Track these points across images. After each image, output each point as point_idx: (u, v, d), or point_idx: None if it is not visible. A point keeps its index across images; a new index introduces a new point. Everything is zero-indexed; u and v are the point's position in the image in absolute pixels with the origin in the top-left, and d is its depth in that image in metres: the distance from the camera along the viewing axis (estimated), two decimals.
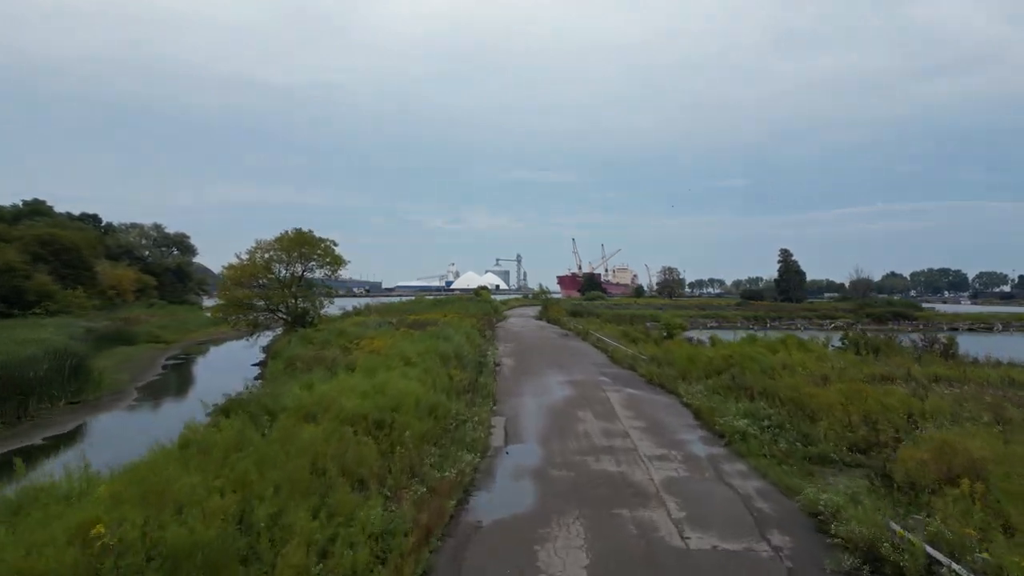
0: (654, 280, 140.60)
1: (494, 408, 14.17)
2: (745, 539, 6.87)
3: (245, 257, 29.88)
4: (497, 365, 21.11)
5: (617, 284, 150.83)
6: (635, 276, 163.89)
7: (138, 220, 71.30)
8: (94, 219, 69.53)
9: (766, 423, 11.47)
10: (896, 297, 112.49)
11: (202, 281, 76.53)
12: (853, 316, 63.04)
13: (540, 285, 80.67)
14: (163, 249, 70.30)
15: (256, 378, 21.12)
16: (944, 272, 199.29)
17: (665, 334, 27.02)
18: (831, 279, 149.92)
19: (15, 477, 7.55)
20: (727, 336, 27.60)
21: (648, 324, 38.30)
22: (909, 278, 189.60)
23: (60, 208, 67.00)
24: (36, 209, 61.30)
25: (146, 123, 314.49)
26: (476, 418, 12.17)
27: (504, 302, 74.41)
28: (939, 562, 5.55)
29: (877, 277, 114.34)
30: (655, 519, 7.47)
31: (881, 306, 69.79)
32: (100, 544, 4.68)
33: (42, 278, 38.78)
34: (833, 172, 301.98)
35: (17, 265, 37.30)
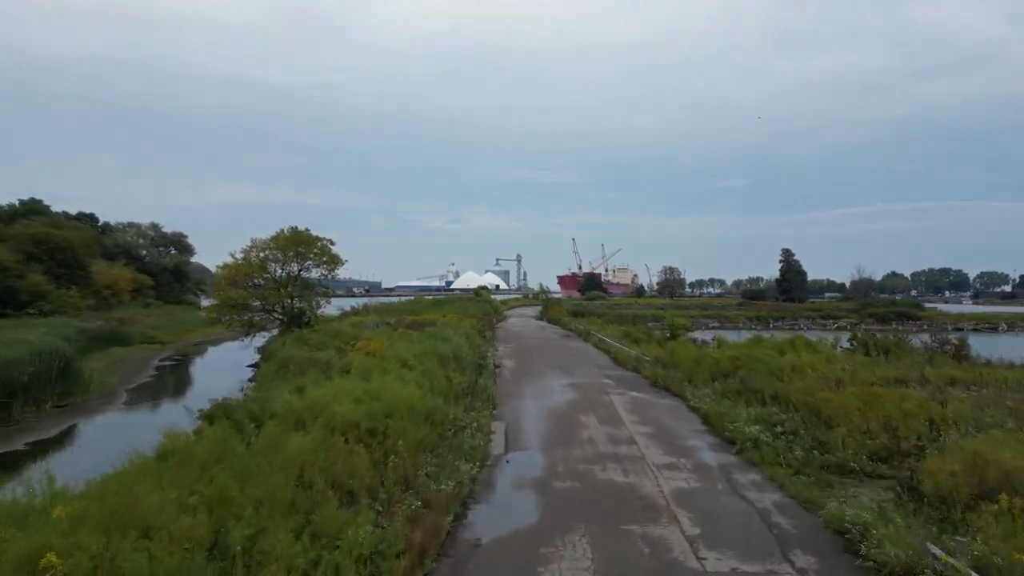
0: (654, 280, 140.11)
1: (494, 412, 13.63)
2: (766, 560, 6.33)
3: (240, 256, 29.37)
4: (497, 367, 20.58)
5: (617, 284, 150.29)
6: (635, 276, 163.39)
7: (138, 220, 70.71)
8: (91, 218, 69.01)
9: (779, 429, 10.93)
10: (898, 297, 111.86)
11: (200, 281, 75.87)
12: (856, 316, 62.49)
13: (540, 285, 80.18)
14: (161, 249, 69.70)
15: (250, 380, 20.59)
16: (945, 272, 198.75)
17: (668, 335, 26.48)
18: (831, 279, 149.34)
19: None
20: (730, 337, 27.09)
21: (650, 324, 37.77)
22: (910, 278, 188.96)
23: (62, 208, 66.84)
24: (33, 208, 60.78)
25: (146, 123, 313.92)
26: (475, 424, 11.63)
27: (504, 302, 73.89)
28: None
29: (878, 277, 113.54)
30: (667, 536, 6.93)
31: (884, 306, 69.23)
32: None
33: (35, 278, 38.18)
34: (833, 172, 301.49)
35: (10, 264, 36.74)
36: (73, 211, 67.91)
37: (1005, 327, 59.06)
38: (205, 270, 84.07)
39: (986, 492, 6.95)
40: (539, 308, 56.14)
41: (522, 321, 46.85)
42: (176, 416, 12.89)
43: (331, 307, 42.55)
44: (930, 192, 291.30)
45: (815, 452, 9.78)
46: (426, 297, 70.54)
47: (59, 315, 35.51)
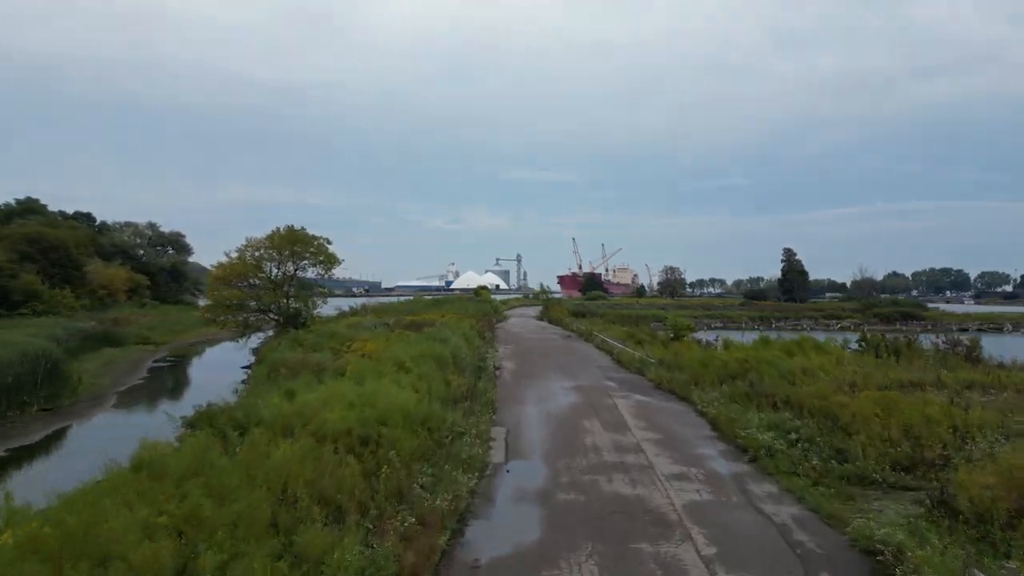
0: (655, 280, 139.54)
1: (493, 417, 13.09)
2: None
3: (235, 256, 28.80)
4: (497, 369, 20.04)
5: (618, 284, 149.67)
6: (636, 276, 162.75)
7: (138, 220, 70.12)
8: (88, 218, 68.52)
9: (793, 436, 10.39)
10: (899, 297, 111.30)
11: (197, 281, 75.16)
12: (860, 316, 61.93)
13: (541, 285, 79.74)
14: (158, 248, 69.19)
15: (243, 382, 20.04)
16: (946, 272, 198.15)
17: (672, 336, 25.92)
18: (832, 279, 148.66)
19: None
20: (733, 337, 26.55)
21: (653, 325, 37.22)
22: (911, 278, 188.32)
23: (63, 208, 66.46)
24: (29, 208, 60.32)
25: (146, 123, 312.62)
26: (474, 430, 11.08)
27: (504, 302, 73.35)
28: None
29: (878, 277, 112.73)
30: (681, 556, 6.39)
31: (887, 306, 68.66)
32: None
33: (29, 277, 37.69)
34: (833, 172, 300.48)
35: (3, 264, 36.24)
36: (75, 211, 67.57)
37: (1010, 327, 58.49)
38: (204, 270, 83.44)
39: None
40: (539, 308, 55.61)
41: (522, 321, 46.30)
42: (164, 421, 12.37)
43: (329, 307, 42.08)
44: (930, 192, 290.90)
45: (833, 461, 9.21)
46: (425, 297, 69.98)
47: (53, 315, 35.03)
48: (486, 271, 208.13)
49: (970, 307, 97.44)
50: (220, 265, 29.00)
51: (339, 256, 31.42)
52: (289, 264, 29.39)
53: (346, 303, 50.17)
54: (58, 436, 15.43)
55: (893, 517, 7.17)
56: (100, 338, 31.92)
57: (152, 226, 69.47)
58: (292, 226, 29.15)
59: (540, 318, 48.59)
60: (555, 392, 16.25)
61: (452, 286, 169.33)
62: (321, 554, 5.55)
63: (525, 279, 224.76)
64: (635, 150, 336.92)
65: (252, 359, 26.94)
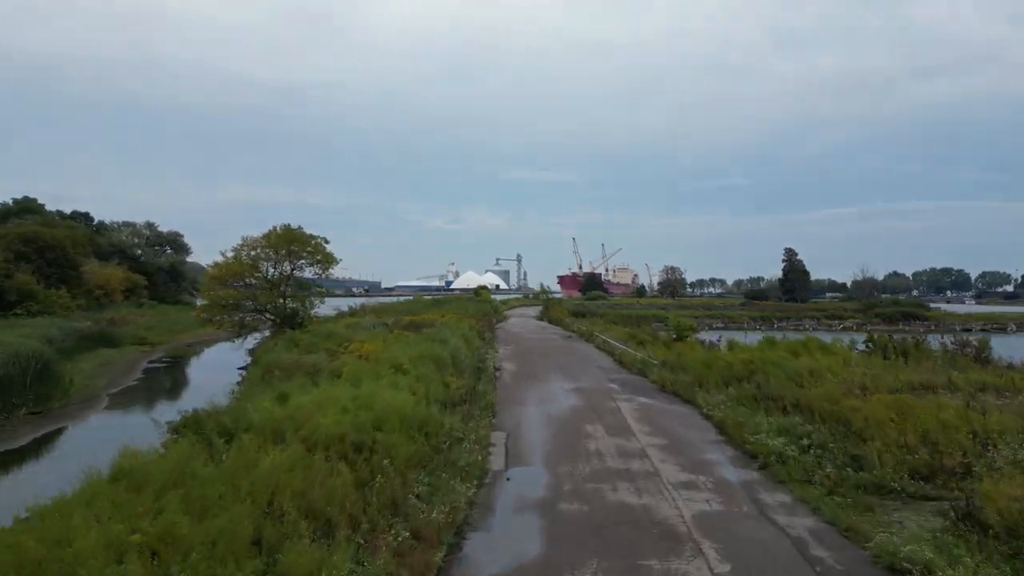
0: (655, 280, 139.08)
1: (493, 421, 12.70)
2: None
3: (230, 255, 28.39)
4: (497, 370, 19.65)
5: (618, 284, 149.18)
6: (636, 276, 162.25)
7: (138, 220, 69.66)
8: (85, 217, 68.09)
9: (805, 442, 10.00)
10: (900, 297, 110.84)
11: (196, 281, 74.73)
12: (862, 316, 61.54)
13: (541, 285, 79.40)
14: (156, 248, 68.74)
15: (239, 383, 19.63)
16: (947, 272, 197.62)
17: (675, 336, 25.52)
18: (832, 279, 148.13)
19: None
20: (735, 337, 26.16)
21: (654, 325, 36.82)
22: (911, 278, 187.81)
23: (66, 208, 66.10)
24: (26, 207, 59.97)
25: (146, 123, 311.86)
26: (473, 436, 10.68)
27: (504, 302, 72.96)
28: None
29: (879, 277, 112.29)
30: (692, 575, 6.00)
31: (889, 306, 68.25)
32: None
33: (24, 277, 37.29)
34: (833, 172, 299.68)
35: None
36: (72, 211, 67.18)
37: (1014, 328, 58.07)
38: (203, 270, 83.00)
39: None
40: (539, 308, 55.22)
41: (522, 321, 45.91)
42: (154, 425, 11.97)
43: (328, 307, 41.66)
44: (930, 192, 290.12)
45: (848, 469, 8.82)
46: (425, 297, 69.58)
47: (48, 315, 34.64)
48: (486, 271, 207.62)
49: (972, 307, 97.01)
50: (216, 265, 28.59)
51: (337, 255, 31.05)
52: (286, 264, 28.99)
53: (345, 303, 49.76)
54: (46, 440, 15.02)
55: (916, 531, 6.78)
56: (95, 338, 31.49)
57: (150, 226, 69.08)
58: (288, 225, 28.79)
59: (540, 318, 48.20)
60: (556, 394, 15.87)
61: (452, 286, 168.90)
62: (307, 574, 5.16)
63: (525, 279, 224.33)
64: (635, 150, 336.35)
65: (249, 360, 26.54)
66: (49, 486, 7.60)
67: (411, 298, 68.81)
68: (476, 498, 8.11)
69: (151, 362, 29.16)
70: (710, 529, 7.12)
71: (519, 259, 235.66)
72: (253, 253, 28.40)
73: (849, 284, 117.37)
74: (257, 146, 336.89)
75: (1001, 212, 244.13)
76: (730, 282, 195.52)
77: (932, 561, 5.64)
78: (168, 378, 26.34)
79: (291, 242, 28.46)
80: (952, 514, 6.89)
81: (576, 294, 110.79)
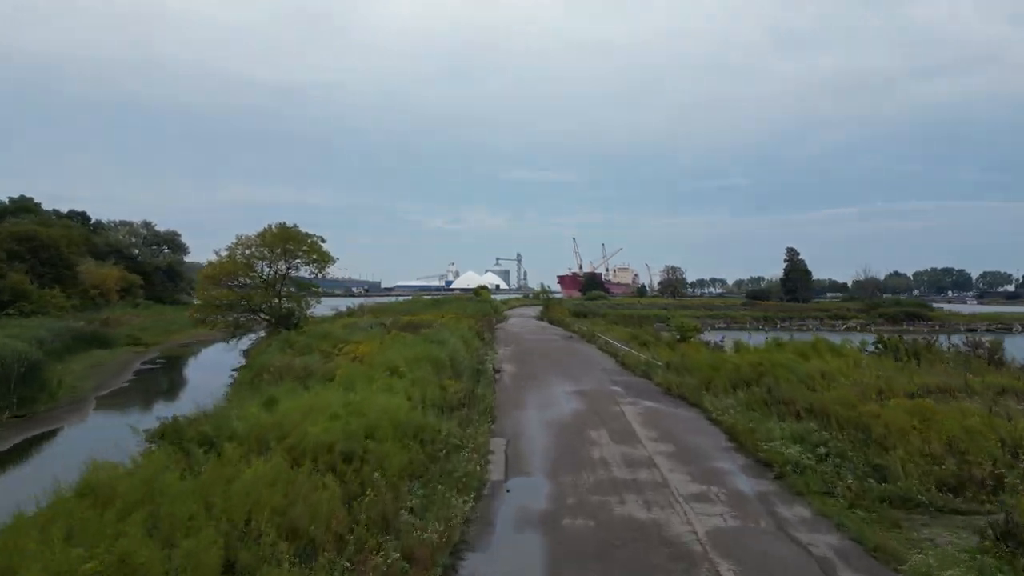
0: (655, 280, 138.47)
1: (492, 427, 12.15)
2: None
3: (224, 254, 27.83)
4: (497, 372, 19.11)
5: (618, 284, 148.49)
6: (636, 276, 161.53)
7: (138, 220, 69.04)
8: (82, 216, 67.51)
9: (822, 451, 9.47)
10: (902, 297, 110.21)
11: (194, 281, 74.24)
12: (865, 317, 60.99)
13: (542, 284, 78.84)
14: (154, 248, 68.15)
15: (230, 386, 19.08)
16: (948, 272, 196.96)
17: (678, 337, 24.97)
18: (833, 279, 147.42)
19: None
20: (738, 337, 25.62)
21: (656, 325, 36.25)
22: (912, 278, 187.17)
23: (65, 207, 65.61)
24: (23, 206, 59.42)
25: (146, 123, 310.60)
26: (471, 443, 10.13)
27: (504, 302, 72.37)
28: None
29: (880, 276, 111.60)
30: None
31: (892, 306, 67.70)
32: None
33: (17, 277, 36.76)
34: (833, 172, 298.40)
35: None
36: (69, 210, 66.62)
37: (1020, 328, 57.51)
38: (200, 269, 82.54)
39: None
40: (540, 308, 54.62)
41: (522, 322, 45.36)
42: (140, 429, 11.43)
43: (326, 307, 41.13)
44: (930, 192, 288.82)
45: (870, 480, 8.29)
46: (424, 297, 69.06)
47: (42, 316, 34.11)
48: (486, 271, 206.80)
49: (975, 307, 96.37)
50: (210, 264, 28.06)
51: (335, 255, 30.52)
52: (281, 263, 28.42)
53: (344, 303, 49.23)
54: (25, 447, 14.45)
55: (951, 551, 6.25)
56: (88, 339, 30.92)
57: (147, 225, 68.49)
58: (284, 223, 28.21)
59: (540, 318, 47.64)
60: (558, 397, 15.33)
61: (452, 286, 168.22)
62: None
63: (525, 279, 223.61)
64: (635, 150, 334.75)
65: (243, 361, 26.00)
66: (18, 498, 7.08)
67: (410, 298, 68.29)
68: (474, 513, 7.55)
69: (144, 363, 28.59)
70: (727, 548, 6.58)
71: (519, 259, 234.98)
72: (248, 252, 27.85)
73: (850, 284, 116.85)
74: (257, 146, 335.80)
75: (1001, 212, 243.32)
76: (730, 282, 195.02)
77: None
78: (160, 380, 25.77)
79: (286, 240, 27.90)
80: (990, 532, 6.35)
81: (576, 294, 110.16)
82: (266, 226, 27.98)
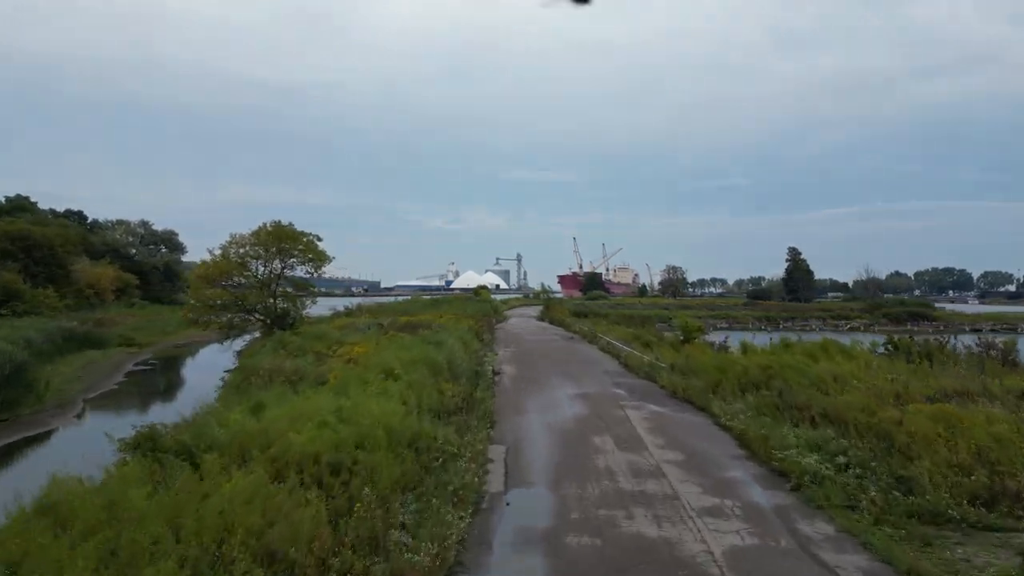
0: (656, 279, 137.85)
1: (491, 433, 11.60)
2: None
3: (218, 253, 27.28)
4: (496, 374, 18.58)
5: (619, 284, 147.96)
6: (636, 275, 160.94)
7: (136, 219, 68.56)
8: (79, 216, 67.04)
9: (841, 460, 8.90)
10: (904, 297, 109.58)
11: None
12: (869, 317, 60.48)
13: (542, 284, 78.39)
14: (151, 247, 67.68)
15: (221, 389, 18.53)
16: (948, 271, 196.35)
17: (682, 337, 24.40)
18: (834, 278, 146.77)
19: None
20: (739, 338, 25.06)
21: (658, 326, 35.73)
22: (913, 277, 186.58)
23: (63, 207, 65.14)
24: (19, 205, 58.92)
25: (146, 123, 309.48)
26: (469, 452, 9.58)
27: (504, 302, 71.85)
28: None
29: (881, 276, 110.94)
30: None
31: (894, 306, 67.15)
32: None
33: (10, 276, 36.22)
34: (833, 172, 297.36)
35: None
36: (65, 209, 66.12)
37: None
38: None
39: None
40: (540, 308, 54.09)
41: (523, 322, 44.83)
42: (125, 434, 10.89)
43: (324, 307, 40.57)
44: (930, 192, 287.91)
45: (896, 492, 7.73)
46: (424, 297, 68.55)
47: (34, 315, 33.58)
48: (486, 271, 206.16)
49: (978, 307, 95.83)
50: (203, 263, 27.51)
51: (334, 255, 30.02)
52: (276, 262, 27.85)
53: (343, 303, 48.70)
54: (8, 452, 13.92)
55: (992, 574, 5.70)
56: (81, 339, 30.39)
57: (144, 224, 68.02)
58: (279, 221, 27.64)
59: (541, 318, 47.11)
60: (559, 401, 14.79)
61: (452, 286, 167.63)
62: None
63: (525, 279, 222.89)
64: (635, 150, 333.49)
65: (237, 362, 25.45)
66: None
67: (409, 298, 67.79)
68: (470, 530, 7.00)
69: (137, 364, 28.08)
70: (746, 571, 6.03)
71: (519, 259, 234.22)
72: (242, 251, 27.29)
73: (851, 284, 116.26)
74: (257, 146, 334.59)
75: (1001, 212, 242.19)
76: (731, 282, 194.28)
77: None
78: (151, 382, 25.24)
79: (281, 239, 27.34)
80: None
81: (577, 294, 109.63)
82: (260, 224, 27.45)
